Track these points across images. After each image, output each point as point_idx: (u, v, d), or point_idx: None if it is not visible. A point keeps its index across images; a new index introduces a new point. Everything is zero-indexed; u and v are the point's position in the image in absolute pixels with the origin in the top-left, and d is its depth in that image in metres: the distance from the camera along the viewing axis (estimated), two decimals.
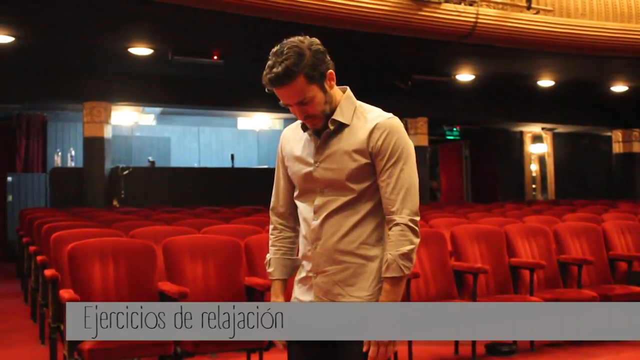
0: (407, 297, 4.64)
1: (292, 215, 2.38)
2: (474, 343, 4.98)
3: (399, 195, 2.14)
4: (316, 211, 2.22)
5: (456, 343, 5.21)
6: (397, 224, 2.14)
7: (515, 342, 5.26)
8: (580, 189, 16.66)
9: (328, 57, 2.17)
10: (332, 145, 2.18)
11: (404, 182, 2.15)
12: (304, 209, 2.27)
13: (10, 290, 8.80)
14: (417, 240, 2.16)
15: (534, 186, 17.09)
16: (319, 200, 2.22)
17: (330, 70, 2.16)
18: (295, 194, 2.32)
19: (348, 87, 2.26)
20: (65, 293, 3.83)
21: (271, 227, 2.42)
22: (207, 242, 4.54)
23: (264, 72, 2.12)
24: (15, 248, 10.24)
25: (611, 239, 6.27)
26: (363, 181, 2.17)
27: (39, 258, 5.45)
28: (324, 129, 2.19)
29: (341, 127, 2.18)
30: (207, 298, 4.27)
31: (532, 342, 5.25)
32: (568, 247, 5.93)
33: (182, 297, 3.92)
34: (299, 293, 2.33)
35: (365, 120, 2.18)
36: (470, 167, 17.62)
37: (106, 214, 8.18)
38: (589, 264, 5.65)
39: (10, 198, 12.33)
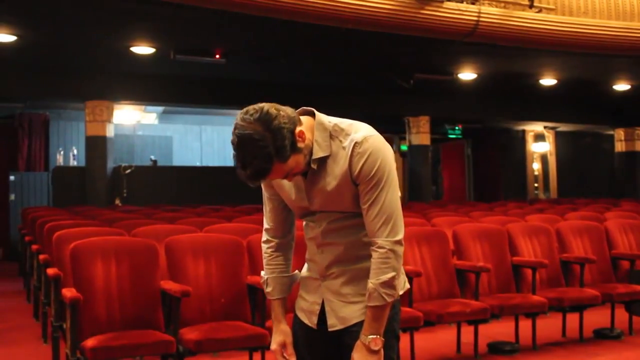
0: (409, 296, 4.64)
1: (284, 233, 2.37)
2: (476, 342, 4.98)
3: (381, 219, 2.09)
4: (317, 220, 2.24)
5: (458, 342, 5.21)
6: (380, 247, 2.10)
7: (517, 341, 5.26)
8: (582, 187, 16.64)
9: (287, 114, 2.02)
10: (319, 180, 2.15)
11: (386, 205, 2.09)
12: (307, 220, 2.29)
13: (12, 289, 8.81)
14: (399, 266, 2.12)
15: (536, 185, 17.06)
16: (319, 214, 2.22)
17: (298, 130, 2.04)
18: (297, 214, 2.33)
19: (314, 110, 2.16)
20: (67, 292, 3.84)
21: (265, 246, 2.40)
22: (209, 241, 4.54)
23: (237, 168, 2.02)
24: (18, 247, 10.26)
25: (613, 237, 6.27)
26: (359, 203, 2.16)
27: (41, 257, 5.45)
28: (308, 167, 2.14)
29: (323, 160, 2.12)
30: (209, 297, 4.28)
31: (534, 341, 5.25)
32: (570, 245, 5.92)
33: (184, 295, 3.92)
34: (304, 291, 2.35)
35: (342, 144, 2.11)
36: (472, 166, 17.62)
37: (108, 213, 8.19)
38: (592, 262, 5.65)
39: (12, 197, 12.34)
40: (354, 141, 2.09)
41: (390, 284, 2.09)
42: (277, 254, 2.37)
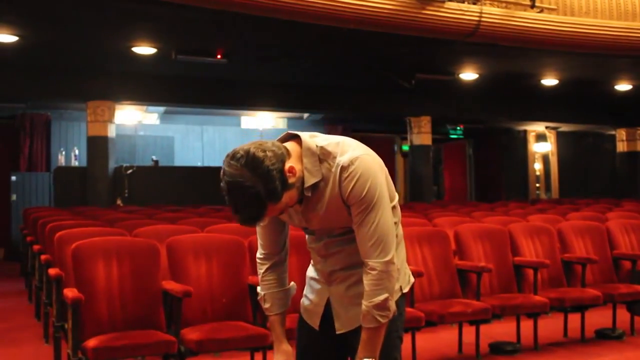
0: (411, 297, 4.64)
1: (278, 250, 2.36)
2: (477, 342, 4.98)
3: (372, 240, 2.09)
4: (318, 235, 2.25)
5: (460, 342, 5.20)
6: (372, 269, 2.09)
7: (518, 341, 5.26)
8: (584, 187, 16.63)
9: (274, 152, 1.99)
10: (314, 204, 2.14)
11: (376, 227, 2.08)
12: (307, 233, 2.30)
13: (14, 289, 8.82)
14: (392, 286, 2.11)
15: (537, 185, 17.06)
16: (319, 230, 2.24)
17: (288, 165, 2.01)
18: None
19: (299, 135, 2.12)
20: (69, 292, 3.84)
21: (259, 262, 2.39)
22: (210, 241, 4.54)
23: (231, 211, 2.00)
24: (19, 247, 10.26)
25: (615, 237, 6.26)
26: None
27: (42, 257, 5.45)
28: (302, 195, 2.13)
29: (315, 185, 2.10)
30: (211, 297, 4.28)
31: (535, 342, 5.24)
32: (572, 246, 5.92)
33: (185, 295, 3.92)
34: (309, 292, 2.37)
35: (331, 168, 2.09)
36: (473, 166, 17.61)
37: (110, 213, 8.19)
38: (593, 263, 5.64)
39: (14, 197, 12.34)
40: (340, 165, 2.07)
41: (383, 306, 2.09)
42: (272, 270, 2.36)
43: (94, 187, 11.09)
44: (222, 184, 1.97)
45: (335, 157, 2.08)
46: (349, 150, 2.09)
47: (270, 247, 2.35)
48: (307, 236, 2.32)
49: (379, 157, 2.18)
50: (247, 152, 1.96)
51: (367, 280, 2.10)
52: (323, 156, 2.09)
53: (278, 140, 2.12)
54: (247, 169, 1.94)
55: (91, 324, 3.86)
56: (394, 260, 2.11)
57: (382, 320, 2.09)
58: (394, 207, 2.20)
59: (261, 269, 2.38)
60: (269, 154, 1.97)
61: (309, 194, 2.10)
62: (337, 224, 2.16)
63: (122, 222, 6.51)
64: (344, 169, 2.05)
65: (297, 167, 2.05)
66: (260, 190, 1.94)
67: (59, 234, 4.80)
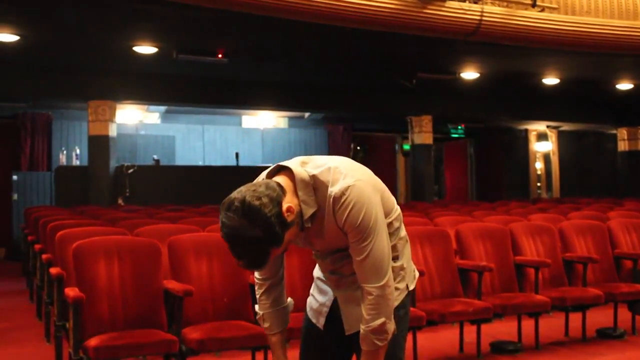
0: (412, 296, 4.64)
1: (274, 272, 2.36)
2: (478, 341, 4.97)
3: (367, 266, 2.10)
4: (322, 253, 2.27)
5: (461, 341, 5.20)
6: (368, 293, 2.11)
7: (520, 340, 5.26)
8: (585, 187, 16.62)
9: (270, 196, 1.96)
10: (315, 231, 2.15)
11: (372, 253, 2.09)
12: (313, 250, 2.31)
13: (15, 289, 8.83)
14: (389, 309, 2.12)
15: (538, 184, 17.05)
16: (323, 249, 2.26)
17: (285, 206, 1.99)
18: None
19: (291, 167, 2.10)
20: (70, 291, 3.85)
21: (257, 283, 2.39)
22: (211, 241, 4.53)
23: (235, 258, 2.00)
24: (21, 246, 10.26)
25: (617, 237, 6.25)
26: None
27: (44, 256, 5.46)
28: (303, 226, 2.12)
29: (313, 214, 2.10)
30: (212, 296, 4.28)
31: (536, 341, 5.24)
32: (573, 245, 5.91)
33: (187, 295, 3.92)
34: (316, 291, 2.39)
35: (325, 196, 2.08)
36: (475, 165, 17.62)
37: (111, 213, 8.19)
38: (594, 262, 5.63)
39: (15, 196, 12.35)
40: (332, 197, 2.06)
41: (380, 330, 2.10)
42: (269, 291, 2.36)
43: (95, 187, 11.10)
44: (221, 234, 1.97)
45: (327, 187, 2.07)
46: (340, 178, 2.07)
47: (268, 271, 2.34)
48: (313, 251, 2.33)
49: (374, 176, 2.18)
50: (243, 202, 1.93)
51: (364, 305, 2.11)
52: (316, 185, 2.08)
53: (268, 174, 2.12)
54: (245, 219, 1.92)
55: (92, 324, 3.86)
56: (390, 282, 2.13)
57: (380, 344, 2.11)
58: (397, 215, 2.24)
59: (259, 290, 2.37)
60: (264, 200, 1.94)
61: (309, 225, 2.10)
62: (339, 244, 2.18)
63: (123, 222, 6.51)
64: (336, 200, 2.05)
65: (294, 203, 2.04)
66: (261, 238, 1.94)
67: (60, 233, 4.79)
